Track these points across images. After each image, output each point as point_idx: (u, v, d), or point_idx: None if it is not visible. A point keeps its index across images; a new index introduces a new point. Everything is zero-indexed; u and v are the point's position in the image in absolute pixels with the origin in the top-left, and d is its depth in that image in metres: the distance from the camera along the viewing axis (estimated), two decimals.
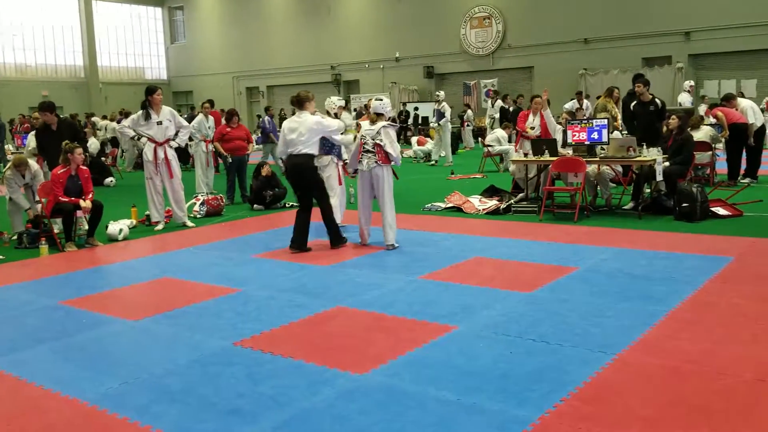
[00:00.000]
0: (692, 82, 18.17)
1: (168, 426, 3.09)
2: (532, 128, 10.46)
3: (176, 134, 8.72)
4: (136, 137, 8.95)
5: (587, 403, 3.16)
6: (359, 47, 29.59)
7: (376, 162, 6.77)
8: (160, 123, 8.53)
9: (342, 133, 7.62)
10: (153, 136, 8.50)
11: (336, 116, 8.13)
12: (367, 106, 8.82)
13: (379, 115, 6.90)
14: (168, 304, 5.12)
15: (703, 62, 22.79)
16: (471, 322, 4.40)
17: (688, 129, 9.13)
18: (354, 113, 19.66)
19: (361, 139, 6.93)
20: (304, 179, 6.90)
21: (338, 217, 7.57)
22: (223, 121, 11.18)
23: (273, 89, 33.54)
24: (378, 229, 6.94)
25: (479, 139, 21.51)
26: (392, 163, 6.84)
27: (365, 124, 7.07)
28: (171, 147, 8.63)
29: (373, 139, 6.79)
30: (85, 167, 7.61)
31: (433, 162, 16.33)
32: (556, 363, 3.66)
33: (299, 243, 6.87)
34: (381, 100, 7.05)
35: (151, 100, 8.54)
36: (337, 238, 7.00)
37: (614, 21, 23.41)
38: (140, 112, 8.61)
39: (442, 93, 16.28)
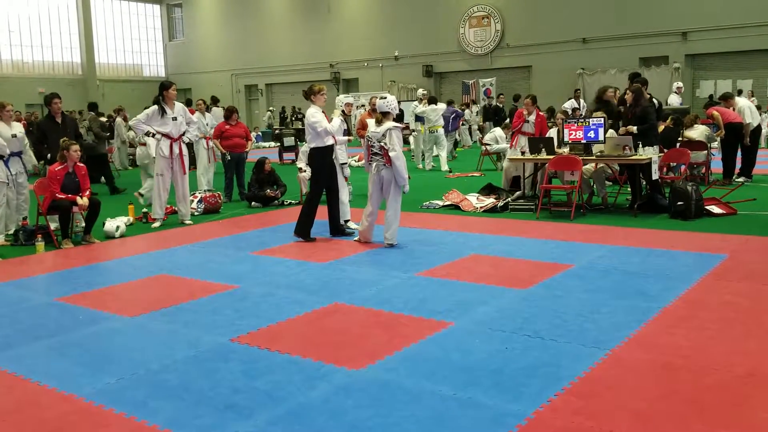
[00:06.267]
0: (680, 83, 18.12)
1: (164, 421, 3.10)
2: (527, 121, 11.27)
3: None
4: (150, 134, 8.64)
5: (581, 398, 3.19)
6: (358, 46, 29.57)
7: (384, 165, 6.71)
8: (175, 119, 8.44)
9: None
10: (169, 132, 8.40)
11: (344, 113, 7.98)
12: (364, 105, 8.79)
13: (384, 115, 6.76)
14: (165, 300, 5.13)
15: (699, 62, 22.84)
16: (467, 319, 4.43)
17: (643, 100, 9.07)
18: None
19: (367, 141, 6.86)
20: (321, 169, 7.21)
21: (346, 214, 7.80)
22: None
23: (272, 87, 33.51)
24: (380, 227, 6.96)
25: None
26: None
27: (371, 124, 6.95)
28: (184, 143, 8.58)
29: (379, 142, 6.68)
30: (81, 164, 7.61)
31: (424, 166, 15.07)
32: (550, 358, 3.69)
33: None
34: (385, 98, 6.91)
35: (166, 95, 8.42)
36: (336, 228, 7.33)
37: (612, 21, 23.46)
38: (154, 107, 8.43)
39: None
